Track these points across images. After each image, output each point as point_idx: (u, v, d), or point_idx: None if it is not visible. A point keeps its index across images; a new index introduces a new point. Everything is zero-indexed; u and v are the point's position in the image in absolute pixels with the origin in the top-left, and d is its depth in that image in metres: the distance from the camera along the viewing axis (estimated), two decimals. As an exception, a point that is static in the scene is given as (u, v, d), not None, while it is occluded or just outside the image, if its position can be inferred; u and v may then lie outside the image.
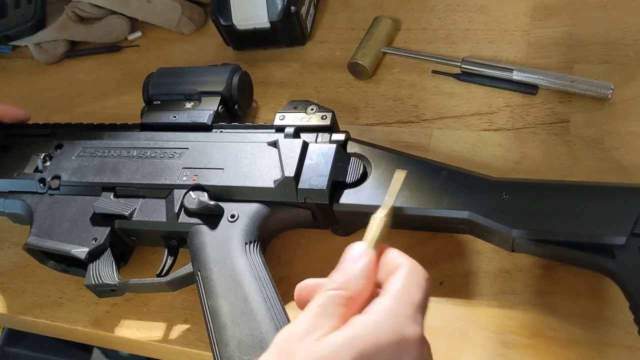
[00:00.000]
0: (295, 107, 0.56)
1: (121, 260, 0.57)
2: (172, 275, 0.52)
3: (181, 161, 0.54)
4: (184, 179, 0.53)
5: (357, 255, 0.37)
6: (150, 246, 0.58)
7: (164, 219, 0.52)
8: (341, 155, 0.52)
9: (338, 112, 0.66)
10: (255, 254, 0.49)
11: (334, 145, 0.51)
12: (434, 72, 0.65)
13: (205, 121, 0.58)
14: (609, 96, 0.57)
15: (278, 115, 0.56)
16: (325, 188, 0.49)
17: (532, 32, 0.65)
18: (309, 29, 0.73)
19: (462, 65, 0.63)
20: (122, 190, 0.55)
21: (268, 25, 0.69)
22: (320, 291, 0.35)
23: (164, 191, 0.53)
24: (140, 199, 0.54)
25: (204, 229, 0.51)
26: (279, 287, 0.55)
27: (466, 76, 0.63)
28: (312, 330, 0.32)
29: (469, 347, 0.48)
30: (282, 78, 0.72)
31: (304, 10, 0.70)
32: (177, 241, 0.54)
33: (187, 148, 0.55)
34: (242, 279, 0.47)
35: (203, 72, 0.62)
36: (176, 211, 0.52)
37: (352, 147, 0.53)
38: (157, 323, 0.56)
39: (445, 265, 0.52)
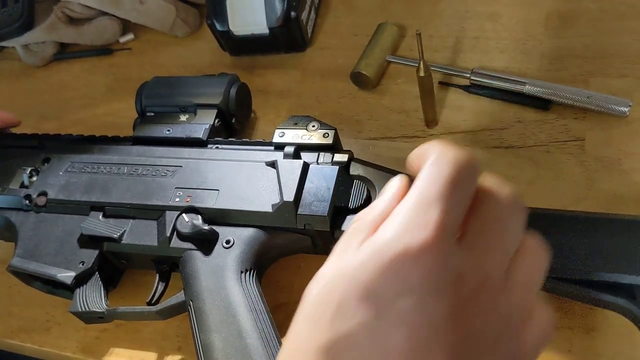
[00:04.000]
0: (296, 124, 0.52)
1: (110, 284, 0.54)
2: (163, 304, 0.49)
3: (174, 180, 0.51)
4: (177, 199, 0.50)
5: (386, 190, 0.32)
6: (141, 269, 0.55)
7: (155, 243, 0.50)
8: (344, 179, 0.49)
9: (340, 124, 0.63)
10: (252, 284, 0.46)
11: (337, 168, 0.48)
12: (441, 83, 0.61)
13: (201, 136, 0.55)
14: (627, 113, 0.54)
15: (277, 131, 0.52)
16: (326, 214, 0.46)
17: (546, 42, 0.62)
18: (309, 35, 0.70)
19: (472, 77, 0.59)
20: (111, 210, 0.52)
21: (267, 31, 0.65)
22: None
23: (156, 212, 0.51)
24: (131, 220, 0.51)
25: (197, 254, 0.48)
26: (277, 314, 0.53)
27: (475, 89, 0.60)
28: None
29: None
30: (282, 87, 0.68)
31: (304, 15, 0.67)
32: (169, 266, 0.52)
33: (181, 166, 0.52)
34: (236, 312, 0.44)
35: (199, 83, 0.59)
36: (168, 235, 0.49)
37: (355, 169, 0.50)
38: (149, 352, 0.53)
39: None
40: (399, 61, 0.63)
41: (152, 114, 0.59)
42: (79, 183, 0.54)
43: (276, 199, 0.47)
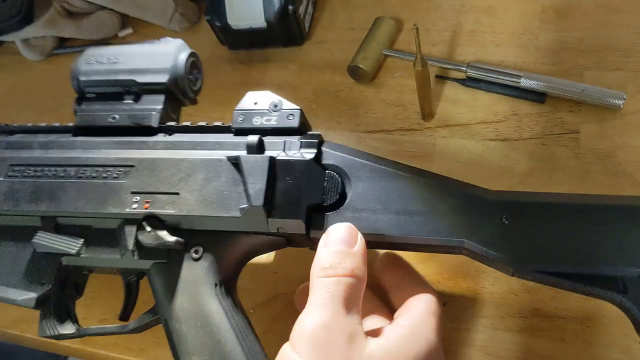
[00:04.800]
0: (256, 103, 0.45)
1: (76, 293, 0.50)
2: (137, 322, 0.45)
3: (128, 182, 0.45)
4: (134, 206, 0.44)
5: (348, 236, 0.37)
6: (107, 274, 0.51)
7: (117, 256, 0.45)
8: (314, 172, 0.43)
9: (337, 117, 0.64)
10: (228, 296, 0.42)
11: (306, 161, 0.42)
12: (438, 77, 0.62)
13: (151, 123, 0.48)
14: (621, 106, 0.54)
15: (236, 114, 0.45)
16: (300, 218, 0.41)
17: (541, 35, 0.62)
18: (307, 29, 0.70)
19: (468, 71, 0.60)
20: (64, 220, 0.46)
21: (264, 25, 0.66)
22: (326, 275, 0.35)
23: (114, 221, 0.45)
24: (88, 230, 0.46)
25: (165, 268, 0.43)
26: (275, 304, 0.53)
27: (472, 82, 0.60)
28: (343, 324, 0.33)
29: (473, 373, 0.46)
30: (280, 80, 0.69)
31: (302, 9, 0.67)
32: (137, 276, 0.48)
33: (134, 165, 0.45)
34: (217, 332, 0.40)
35: (140, 57, 0.50)
36: (130, 247, 0.44)
37: (326, 156, 0.44)
38: (147, 342, 0.53)
39: (449, 285, 0.50)
40: (395, 55, 0.64)
41: (93, 95, 0.50)
42: (23, 190, 0.47)
43: (244, 202, 0.42)
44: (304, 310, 0.34)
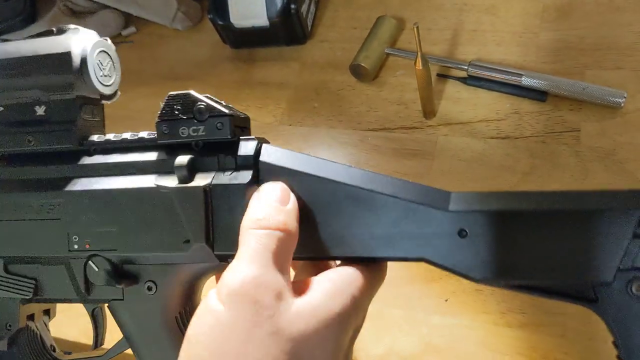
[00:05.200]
0: (179, 109, 0.38)
1: (48, 316, 0.49)
2: (110, 352, 0.44)
3: (62, 223, 0.41)
4: (76, 247, 0.41)
5: (282, 194, 0.35)
6: None
7: (74, 295, 0.42)
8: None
9: (339, 116, 0.64)
10: None
11: (244, 184, 0.37)
12: (440, 75, 0.62)
13: (71, 145, 0.42)
14: (622, 105, 0.55)
15: (161, 126, 0.39)
16: None
17: (542, 34, 0.63)
18: (309, 28, 0.70)
19: (469, 69, 0.60)
20: (11, 261, 0.44)
21: (267, 24, 0.66)
22: (258, 227, 0.34)
23: (61, 260, 0.42)
24: (38, 269, 0.43)
25: (123, 305, 0.41)
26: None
27: (473, 80, 0.60)
28: (271, 280, 0.32)
29: (475, 369, 0.47)
30: (282, 79, 0.69)
31: (304, 8, 0.68)
32: (100, 306, 0.46)
33: (62, 200, 0.41)
34: None
35: (37, 65, 0.41)
36: (82, 288, 0.41)
37: (266, 172, 0.38)
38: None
39: (450, 281, 0.51)
40: (397, 53, 0.64)
41: (1, 108, 0.44)
42: None
43: (186, 237, 0.38)
44: (233, 262, 0.33)
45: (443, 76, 0.62)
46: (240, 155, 0.38)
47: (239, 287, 0.31)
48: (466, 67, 0.60)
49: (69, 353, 0.49)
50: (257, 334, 0.30)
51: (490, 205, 0.34)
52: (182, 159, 0.37)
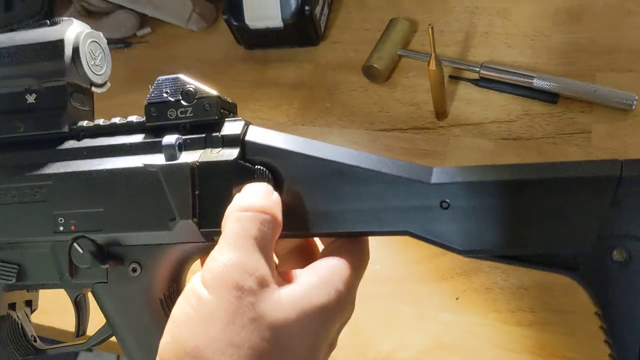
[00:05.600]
0: (167, 92, 0.39)
1: (30, 308, 0.48)
2: (92, 339, 0.44)
3: (49, 204, 0.41)
4: (61, 229, 0.41)
5: (265, 190, 0.35)
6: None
7: (57, 279, 0.42)
8: (241, 171, 0.38)
9: (351, 116, 0.65)
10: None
11: (231, 161, 0.38)
12: (452, 77, 0.63)
13: (60, 129, 0.43)
14: (633, 107, 0.55)
15: (149, 109, 0.40)
16: None
17: (553, 37, 0.63)
18: (322, 29, 0.71)
19: (481, 71, 0.61)
20: None
21: (281, 25, 0.67)
22: (242, 209, 0.34)
23: (46, 244, 0.42)
24: (23, 256, 0.43)
25: (107, 288, 0.41)
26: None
27: (485, 82, 0.61)
28: (254, 266, 0.32)
29: (484, 366, 0.47)
30: (295, 79, 0.70)
31: (318, 10, 0.69)
32: (83, 291, 0.46)
33: (50, 182, 0.41)
34: None
35: (30, 53, 0.43)
36: (67, 271, 0.41)
37: (253, 150, 0.39)
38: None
39: (462, 280, 0.51)
40: (410, 55, 0.65)
41: None
42: None
43: (172, 215, 0.38)
44: (216, 247, 0.33)
45: (455, 78, 0.63)
46: (227, 135, 0.38)
47: (221, 271, 0.31)
48: (478, 69, 0.61)
49: (51, 342, 0.48)
50: (238, 320, 0.31)
51: (471, 177, 0.35)
52: (170, 138, 0.38)
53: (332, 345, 0.35)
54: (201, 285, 0.32)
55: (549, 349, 0.46)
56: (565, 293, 0.48)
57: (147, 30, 0.81)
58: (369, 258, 0.37)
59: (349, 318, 0.36)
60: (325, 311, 0.32)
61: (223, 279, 0.31)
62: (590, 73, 0.59)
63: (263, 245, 0.33)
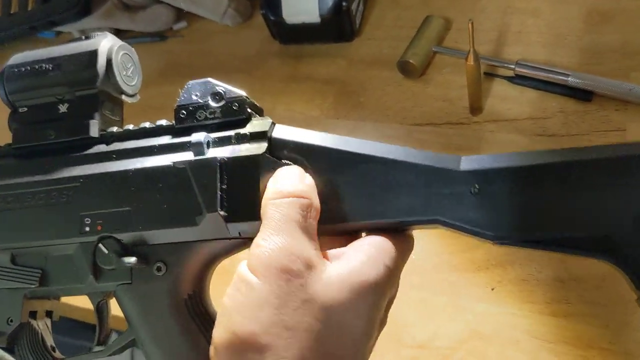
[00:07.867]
0: (196, 95, 0.41)
1: (50, 319, 0.48)
2: (112, 346, 0.43)
3: (76, 204, 0.42)
4: (87, 229, 0.41)
5: (299, 173, 0.36)
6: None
7: (80, 283, 0.42)
8: (268, 166, 0.38)
9: (385, 110, 0.66)
10: (201, 307, 0.41)
11: (259, 156, 0.38)
12: (487, 74, 0.64)
13: (90, 134, 0.44)
14: (668, 106, 0.56)
15: (178, 110, 0.41)
16: (259, 219, 0.37)
17: (586, 37, 0.64)
18: (357, 25, 0.72)
19: (516, 68, 0.62)
20: (19, 251, 0.44)
21: (318, 20, 0.68)
22: (281, 196, 0.34)
23: (70, 246, 0.43)
24: (46, 259, 0.43)
25: (131, 289, 0.41)
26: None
27: (520, 79, 0.62)
28: (300, 248, 0.33)
29: (520, 356, 0.48)
30: (328, 75, 0.71)
31: (354, 6, 0.70)
32: (105, 297, 0.45)
33: (79, 184, 0.42)
34: (195, 355, 0.39)
35: (67, 60, 0.44)
36: (91, 273, 0.42)
37: (280, 145, 0.39)
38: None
39: (497, 271, 0.52)
40: (445, 52, 0.66)
41: (25, 109, 0.46)
42: None
43: (199, 210, 0.38)
44: (260, 234, 0.33)
45: (490, 75, 0.64)
46: (253, 132, 0.39)
47: (268, 256, 0.32)
48: (513, 66, 0.62)
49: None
50: (291, 303, 0.31)
51: (500, 163, 0.35)
52: (199, 135, 0.39)
53: (383, 322, 0.36)
54: (249, 272, 0.32)
55: (586, 340, 0.47)
56: (599, 285, 0.49)
57: (182, 24, 0.83)
58: (413, 243, 0.37)
59: (395, 295, 0.36)
60: (376, 287, 0.33)
61: (271, 263, 0.32)
62: (623, 73, 0.60)
63: (305, 228, 0.34)
